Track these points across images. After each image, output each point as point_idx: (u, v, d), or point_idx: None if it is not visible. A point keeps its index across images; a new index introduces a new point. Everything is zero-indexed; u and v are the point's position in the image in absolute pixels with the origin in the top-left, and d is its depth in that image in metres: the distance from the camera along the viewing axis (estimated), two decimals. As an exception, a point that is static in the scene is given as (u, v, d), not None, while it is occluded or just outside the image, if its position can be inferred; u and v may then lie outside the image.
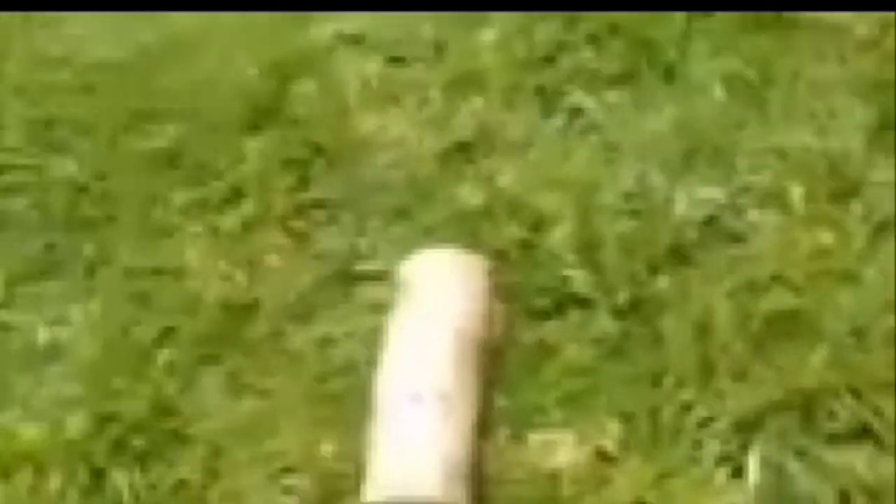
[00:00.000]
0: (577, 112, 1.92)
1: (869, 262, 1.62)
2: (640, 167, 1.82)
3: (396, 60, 2.03)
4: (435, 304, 1.55)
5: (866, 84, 1.88)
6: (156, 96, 2.02)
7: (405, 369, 1.49)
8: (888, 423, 1.46)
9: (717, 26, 1.99)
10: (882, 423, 1.46)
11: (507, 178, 1.82)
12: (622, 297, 1.63)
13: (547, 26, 2.03)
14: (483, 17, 2.05)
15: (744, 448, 1.47)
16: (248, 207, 1.84)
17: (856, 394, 1.49)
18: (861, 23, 1.97)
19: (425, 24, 2.06)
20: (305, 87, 2.00)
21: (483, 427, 1.47)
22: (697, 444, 1.48)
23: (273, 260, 1.78)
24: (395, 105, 1.96)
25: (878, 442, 1.45)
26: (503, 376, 1.55)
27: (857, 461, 1.44)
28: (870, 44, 1.95)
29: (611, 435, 1.49)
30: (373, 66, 2.02)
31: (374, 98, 1.97)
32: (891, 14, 1.95)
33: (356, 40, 2.07)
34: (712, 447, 1.48)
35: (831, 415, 1.48)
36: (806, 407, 1.48)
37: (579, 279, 1.66)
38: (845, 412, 1.48)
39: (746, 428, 1.48)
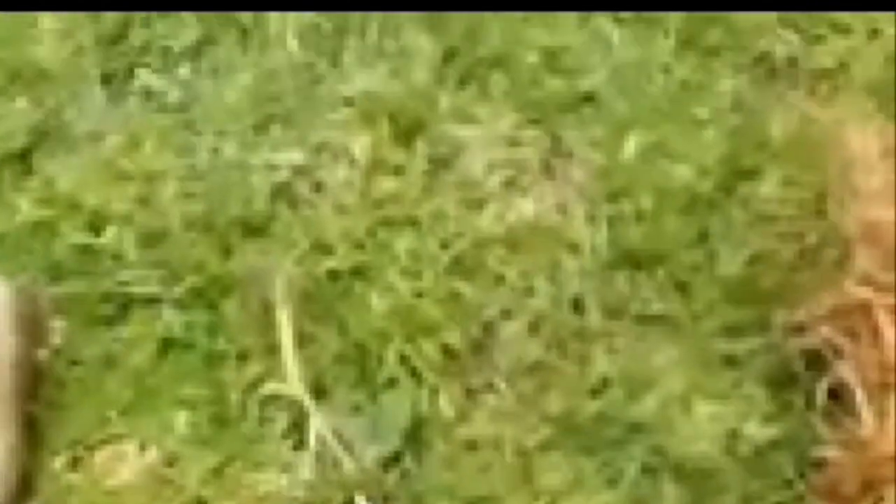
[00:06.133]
0: (148, 94, 1.83)
1: (425, 203, 1.59)
2: (214, 143, 1.75)
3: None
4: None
5: (431, 17, 1.85)
6: None
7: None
8: (431, 364, 1.44)
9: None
10: (426, 363, 1.44)
11: (68, 180, 1.72)
12: (186, 286, 1.56)
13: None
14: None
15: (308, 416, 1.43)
16: None
17: (410, 338, 1.46)
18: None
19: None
20: None
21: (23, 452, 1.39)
22: (264, 422, 1.43)
23: None
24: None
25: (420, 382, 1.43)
26: (52, 397, 1.47)
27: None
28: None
29: (176, 433, 1.43)
30: None
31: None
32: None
33: None
34: (279, 422, 1.43)
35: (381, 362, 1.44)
36: (361, 359, 1.45)
37: (142, 277, 1.59)
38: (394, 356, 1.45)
39: (312, 394, 1.44)
